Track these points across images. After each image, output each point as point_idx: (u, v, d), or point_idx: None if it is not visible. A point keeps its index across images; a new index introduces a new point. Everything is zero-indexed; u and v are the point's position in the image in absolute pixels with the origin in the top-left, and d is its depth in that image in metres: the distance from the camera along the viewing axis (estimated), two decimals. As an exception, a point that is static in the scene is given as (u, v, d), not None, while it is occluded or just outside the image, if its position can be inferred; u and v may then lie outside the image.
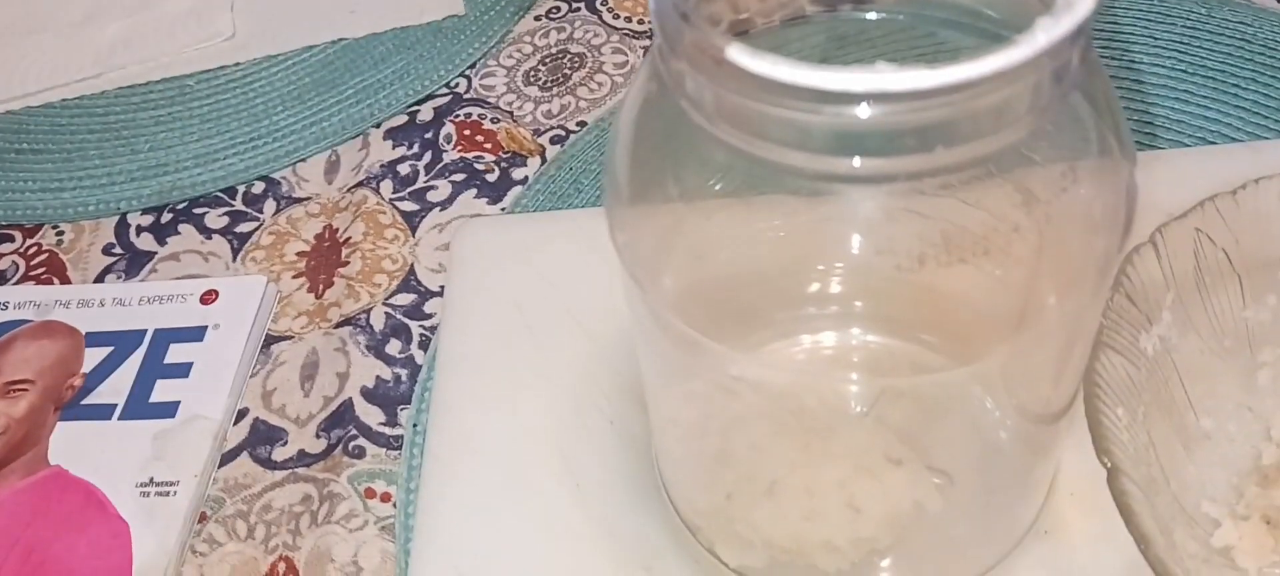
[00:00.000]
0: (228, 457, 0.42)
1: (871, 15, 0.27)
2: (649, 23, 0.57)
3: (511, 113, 0.54)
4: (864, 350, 0.35)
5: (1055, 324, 0.30)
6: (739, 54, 0.20)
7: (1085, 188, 0.27)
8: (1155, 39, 0.52)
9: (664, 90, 0.25)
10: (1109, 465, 0.30)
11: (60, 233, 0.51)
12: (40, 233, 0.51)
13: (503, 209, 0.49)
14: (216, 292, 0.47)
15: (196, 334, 0.46)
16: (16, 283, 0.49)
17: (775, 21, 0.27)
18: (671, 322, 0.29)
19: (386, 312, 0.46)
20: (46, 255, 0.50)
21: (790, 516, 0.30)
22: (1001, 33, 0.28)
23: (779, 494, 0.30)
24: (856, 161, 0.23)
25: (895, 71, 0.19)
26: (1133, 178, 0.27)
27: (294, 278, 0.48)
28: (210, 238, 0.50)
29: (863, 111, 0.21)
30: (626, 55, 0.56)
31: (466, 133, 0.53)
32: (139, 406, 0.43)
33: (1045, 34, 0.20)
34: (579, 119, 0.53)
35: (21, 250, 0.50)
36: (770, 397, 0.34)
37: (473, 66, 0.56)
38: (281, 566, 0.39)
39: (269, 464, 0.41)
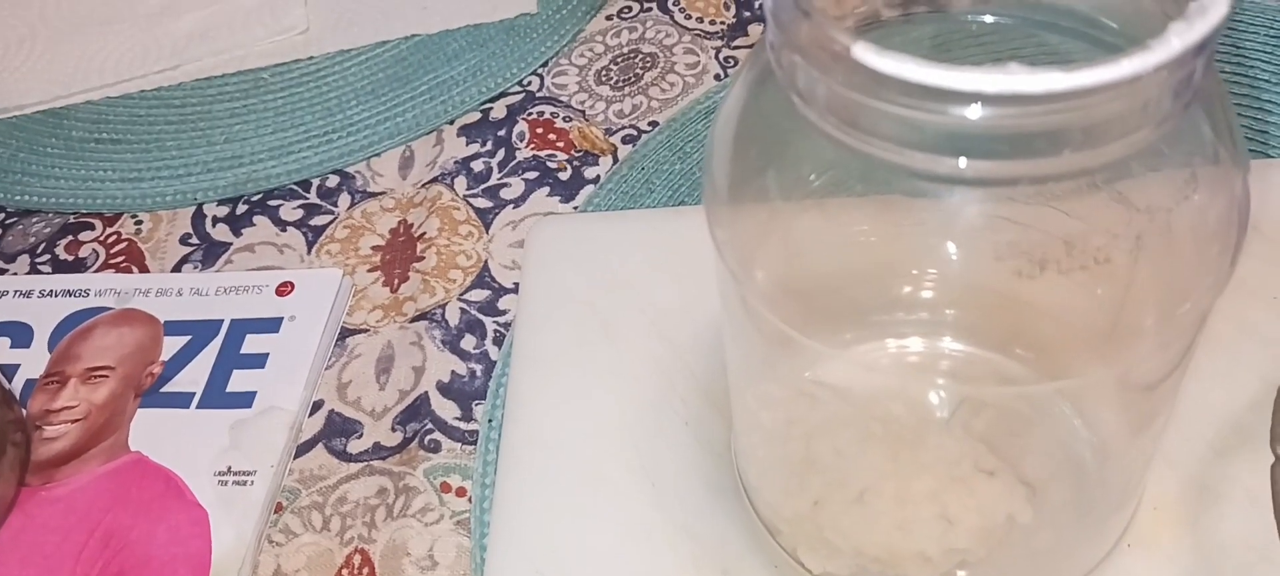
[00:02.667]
0: (303, 449, 0.42)
1: (986, 17, 0.27)
2: (721, 23, 0.57)
3: (583, 111, 0.54)
4: (951, 359, 0.34)
5: (1153, 343, 0.29)
6: (865, 52, 0.20)
7: (1196, 201, 0.26)
8: (1272, 53, 0.51)
9: (768, 85, 0.25)
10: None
11: (139, 222, 0.52)
12: (119, 221, 0.52)
13: (575, 207, 0.49)
14: (292, 284, 0.47)
15: (272, 325, 0.46)
16: (97, 270, 0.50)
17: (883, 18, 0.27)
18: (765, 318, 0.29)
19: (461, 308, 0.46)
20: (126, 244, 0.51)
21: (882, 526, 0.30)
22: (1109, 41, 0.27)
23: (870, 502, 0.30)
24: (969, 163, 0.23)
25: (1030, 73, 0.19)
26: (1246, 191, 0.26)
27: (369, 271, 0.48)
28: (285, 230, 0.50)
29: (986, 113, 0.21)
30: (698, 56, 0.56)
31: (539, 131, 0.53)
32: (216, 395, 0.44)
33: (1179, 39, 0.19)
34: (651, 119, 0.53)
35: (102, 238, 0.51)
36: (854, 403, 0.33)
37: (545, 65, 0.56)
38: (357, 559, 0.39)
39: (344, 456, 0.42)
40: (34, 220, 0.53)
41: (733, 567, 0.36)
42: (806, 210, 0.29)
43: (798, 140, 0.25)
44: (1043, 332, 0.33)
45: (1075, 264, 0.32)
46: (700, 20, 0.58)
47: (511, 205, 0.50)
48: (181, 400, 0.44)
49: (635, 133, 0.52)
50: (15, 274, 0.50)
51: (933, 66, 0.19)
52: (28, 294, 0.49)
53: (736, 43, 0.56)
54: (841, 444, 0.31)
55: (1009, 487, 0.30)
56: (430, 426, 0.42)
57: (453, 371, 0.44)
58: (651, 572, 0.36)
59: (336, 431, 0.42)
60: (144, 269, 0.50)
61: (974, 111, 0.21)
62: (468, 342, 0.45)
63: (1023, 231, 0.31)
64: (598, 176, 0.50)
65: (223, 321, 0.46)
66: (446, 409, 0.42)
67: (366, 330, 0.46)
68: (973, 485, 0.30)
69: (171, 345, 0.46)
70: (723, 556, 0.36)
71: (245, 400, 0.44)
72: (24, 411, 0.44)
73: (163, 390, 0.44)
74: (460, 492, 0.40)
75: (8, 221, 0.53)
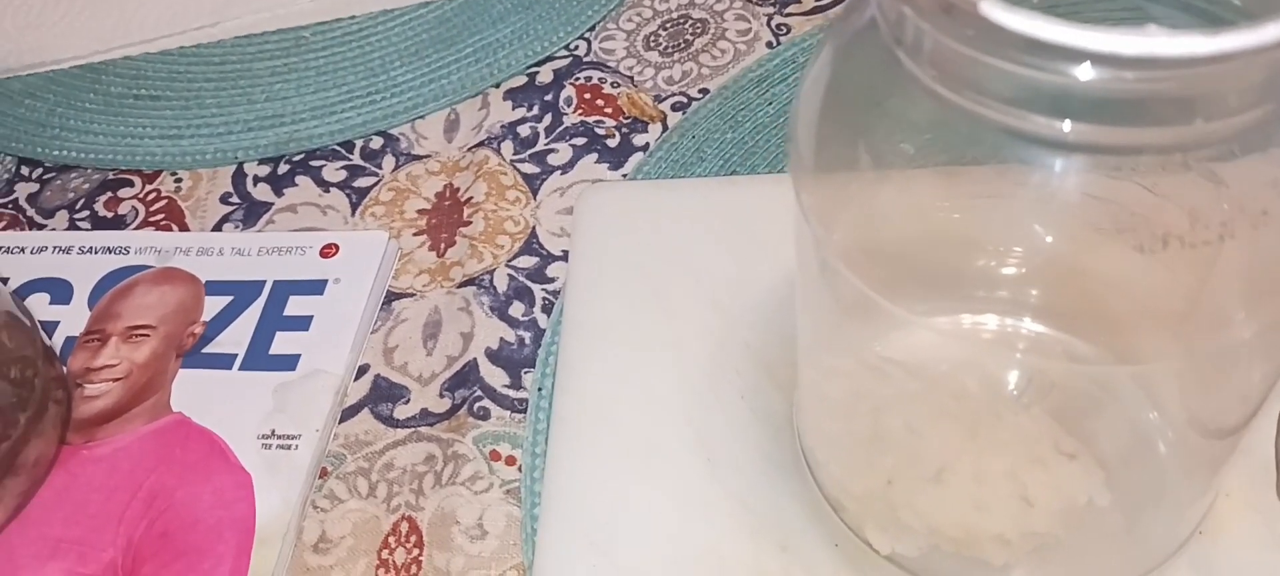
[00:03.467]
0: (348, 414, 0.41)
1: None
2: (772, -9, 0.55)
3: (632, 77, 0.52)
4: (1026, 337, 0.33)
5: (1240, 336, 0.28)
6: (994, 9, 0.19)
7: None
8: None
9: (860, 48, 0.24)
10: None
11: (178, 180, 0.51)
12: (159, 179, 0.51)
13: (624, 175, 0.48)
14: (337, 246, 0.46)
15: (317, 287, 0.45)
16: (136, 227, 0.49)
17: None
18: (842, 283, 0.28)
19: (509, 274, 0.45)
20: (165, 202, 0.50)
21: (960, 505, 0.29)
22: (1217, 12, 0.26)
23: (947, 481, 0.29)
24: (1076, 126, 0.22)
25: (1171, 36, 0.18)
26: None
27: (415, 235, 0.47)
28: (328, 191, 0.49)
29: (1103, 75, 0.20)
30: (749, 22, 0.54)
31: (587, 96, 0.52)
32: (259, 357, 0.43)
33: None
34: (701, 86, 0.52)
35: (141, 196, 0.50)
36: (925, 378, 0.32)
37: (592, 29, 0.55)
38: (404, 526, 0.38)
39: (391, 421, 0.41)
40: (72, 176, 0.52)
41: (792, 543, 0.35)
42: (894, 178, 0.28)
43: (894, 101, 0.24)
44: (1121, 315, 0.32)
45: (1161, 244, 0.31)
46: (750, -13, 0.57)
47: (559, 171, 0.49)
48: (224, 361, 0.43)
49: (685, 100, 0.51)
50: (54, 229, 0.49)
51: (1072, 27, 0.18)
52: (67, 250, 0.48)
53: (789, 10, 0.55)
54: (914, 420, 0.30)
55: (1088, 470, 0.29)
56: (479, 393, 0.41)
57: (501, 338, 0.43)
58: (708, 546, 0.35)
59: (383, 396, 0.42)
60: (184, 227, 0.49)
61: (1089, 72, 0.20)
62: (516, 309, 0.44)
63: (1112, 208, 0.30)
64: (647, 144, 0.49)
65: (265, 282, 0.46)
66: (495, 376, 0.42)
67: (413, 294, 0.45)
68: (1052, 466, 0.29)
69: (213, 305, 0.45)
70: (782, 531, 0.35)
71: (289, 363, 0.43)
72: (64, 369, 0.43)
73: (204, 351, 0.44)
74: (510, 461, 0.39)
75: (46, 177, 0.52)
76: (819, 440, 0.33)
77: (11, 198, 0.51)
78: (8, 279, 0.47)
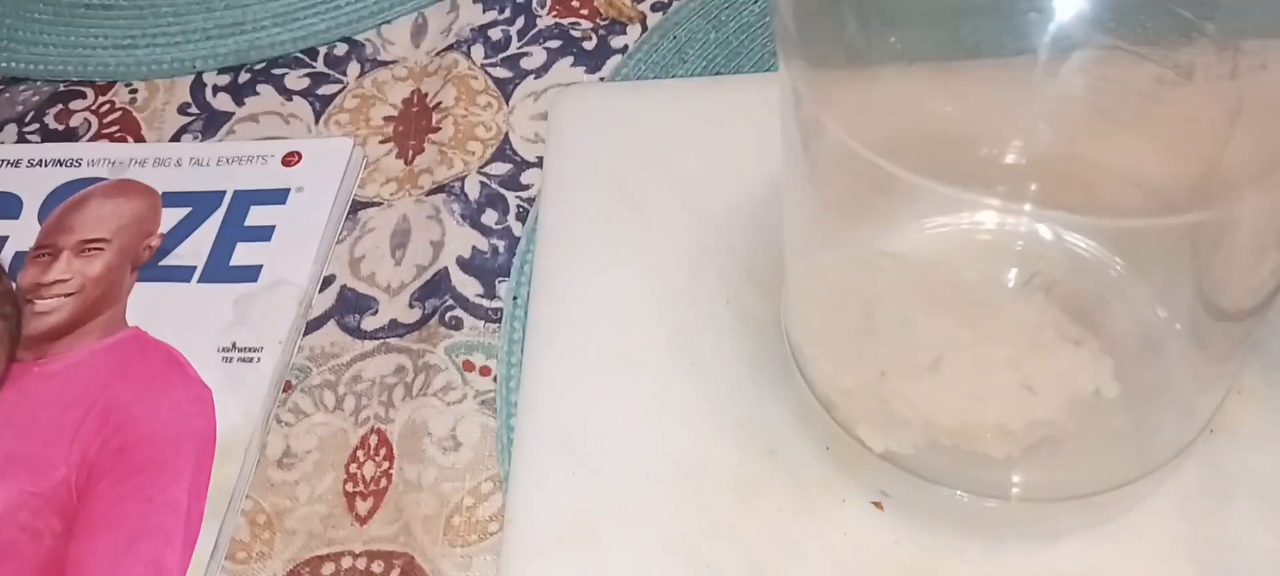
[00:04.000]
0: (313, 326, 0.39)
1: None
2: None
3: (609, -20, 0.50)
4: (1026, 236, 0.31)
5: (1250, 213, 0.26)
6: None
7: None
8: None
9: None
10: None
11: (133, 91, 0.48)
12: (113, 90, 0.48)
13: (602, 78, 0.46)
14: (299, 155, 0.44)
15: (279, 196, 0.43)
16: (90, 140, 0.46)
17: None
18: (832, 177, 0.26)
19: (481, 182, 0.43)
20: (120, 113, 0.47)
21: (957, 396, 0.27)
22: None
23: (943, 371, 0.27)
24: None
25: None
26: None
27: (381, 143, 0.45)
28: (290, 99, 0.47)
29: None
30: (731, -76, 0.52)
31: (561, -2, 0.49)
32: (219, 269, 0.41)
33: None
34: (681, -12, 0.49)
35: (94, 107, 0.48)
36: (918, 269, 0.31)
37: (566, -70, 0.52)
38: (373, 439, 0.36)
39: (358, 333, 0.39)
40: (21, 88, 0.49)
41: (779, 447, 0.33)
42: (886, 72, 0.26)
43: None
44: (1124, 202, 0.31)
45: (1166, 123, 0.29)
46: (731, -112, 0.54)
47: (533, 76, 0.46)
48: (182, 274, 0.41)
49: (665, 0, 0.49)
50: (2, 143, 0.47)
51: None
52: (15, 163, 0.46)
53: (771, -90, 0.52)
54: (907, 310, 0.28)
55: (1095, 357, 0.27)
56: (451, 303, 0.39)
57: (473, 247, 0.41)
58: (692, 453, 0.34)
59: (350, 308, 0.40)
60: (140, 139, 0.46)
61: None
62: (489, 217, 0.42)
63: (1112, 91, 0.28)
64: (625, 46, 0.47)
65: (225, 193, 0.43)
66: (468, 285, 0.40)
67: (380, 203, 0.43)
68: (1056, 353, 0.27)
69: (170, 217, 0.43)
70: (769, 436, 0.34)
71: (250, 274, 0.41)
72: (14, 284, 0.41)
73: (162, 264, 0.42)
74: (484, 371, 0.37)
75: (-7, 89, 0.49)
76: (808, 337, 0.32)
77: (-43, 111, 0.49)
78: (-48, 192, 0.44)
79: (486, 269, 0.40)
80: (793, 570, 0.31)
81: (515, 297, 0.39)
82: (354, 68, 0.48)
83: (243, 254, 0.41)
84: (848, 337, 0.29)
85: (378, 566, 0.33)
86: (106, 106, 0.48)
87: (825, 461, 0.33)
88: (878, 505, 0.32)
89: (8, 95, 0.49)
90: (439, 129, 0.45)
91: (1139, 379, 0.30)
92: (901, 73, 0.26)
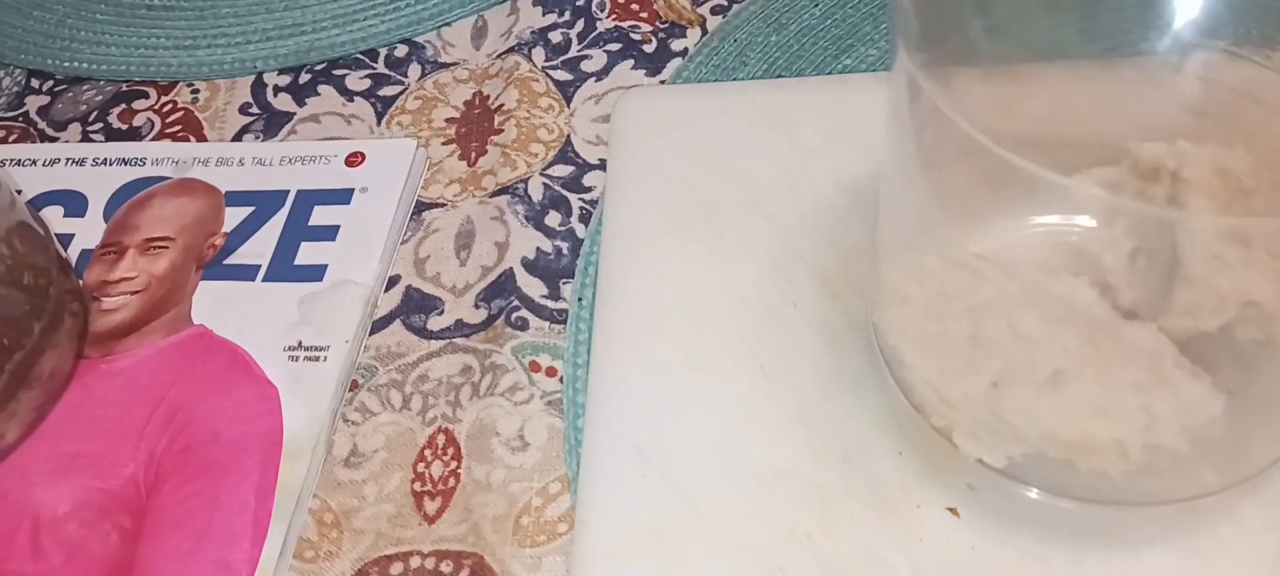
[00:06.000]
0: (379, 325, 0.39)
1: None
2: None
3: (668, -17, 0.50)
4: (1127, 249, 0.31)
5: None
6: None
7: None
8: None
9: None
10: None
11: (195, 91, 0.49)
12: (175, 90, 0.49)
13: (662, 81, 0.46)
14: (362, 155, 0.44)
15: (343, 196, 0.43)
16: (153, 139, 0.47)
17: None
18: (979, 142, 0.25)
19: (544, 183, 0.43)
20: (182, 113, 0.48)
21: (1081, 410, 0.26)
22: None
23: (1065, 386, 0.26)
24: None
25: None
26: None
27: (444, 144, 0.45)
28: (352, 100, 0.47)
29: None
30: (790, -72, 0.52)
31: (620, 0, 0.49)
32: (283, 268, 0.41)
33: None
34: (741, -9, 0.49)
35: (156, 107, 0.48)
36: (1026, 281, 0.30)
37: (625, -67, 0.52)
38: (440, 438, 0.36)
39: (424, 332, 0.39)
40: (84, 88, 0.49)
41: (853, 454, 0.33)
42: (1007, 62, 0.26)
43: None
44: (1233, 208, 0.30)
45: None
46: (789, -108, 0.54)
47: (593, 78, 0.46)
48: (246, 272, 0.41)
49: (725, 2, 0.48)
50: (67, 142, 0.47)
51: None
52: (81, 162, 0.46)
53: (832, -87, 0.52)
54: (1020, 324, 0.28)
55: (1212, 394, 0.27)
56: (516, 303, 0.39)
57: (537, 248, 0.41)
58: (764, 458, 0.33)
59: (415, 307, 0.40)
60: (201, 139, 0.47)
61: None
62: (552, 219, 0.42)
63: (1229, 94, 0.28)
64: (685, 49, 0.47)
65: (288, 192, 0.43)
66: (533, 286, 0.40)
67: (444, 204, 0.43)
68: (1176, 382, 0.27)
69: (233, 216, 0.43)
70: (842, 443, 0.33)
71: (315, 273, 0.41)
72: (80, 282, 0.41)
73: (226, 262, 0.42)
74: (551, 372, 0.37)
75: (57, 89, 0.50)
76: (905, 342, 0.31)
77: (21, 110, 0.49)
78: (21, 191, 0.44)
79: (551, 270, 0.40)
80: (872, 578, 0.30)
81: (580, 299, 0.39)
82: (414, 69, 0.48)
83: (307, 253, 0.41)
84: (953, 346, 0.29)
85: (447, 566, 0.33)
86: (169, 106, 0.48)
87: (900, 468, 0.32)
88: (953, 511, 0.32)
89: (71, 94, 0.49)
90: (501, 131, 0.44)
91: (1238, 394, 0.29)
92: (1021, 70, 0.25)
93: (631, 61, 0.47)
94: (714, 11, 0.48)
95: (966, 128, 0.24)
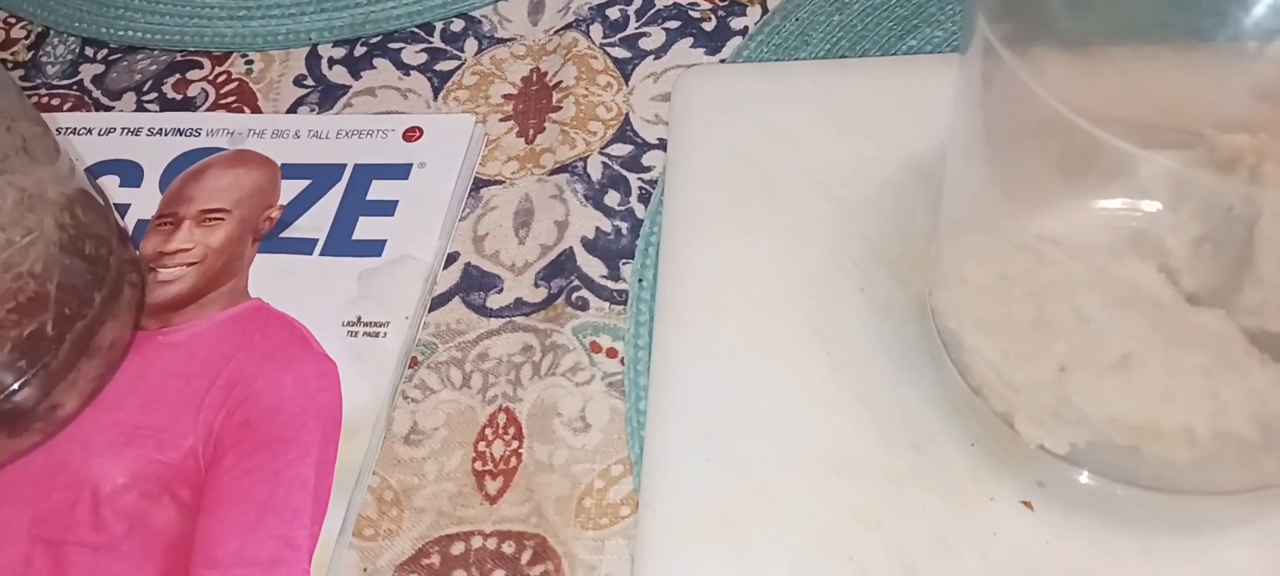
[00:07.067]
0: (438, 302, 0.39)
1: None
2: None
3: (727, -40, 0.49)
4: (1196, 235, 0.30)
5: None
6: None
7: None
8: None
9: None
10: None
11: (249, 62, 0.48)
12: (229, 61, 0.48)
13: (722, 60, 0.45)
14: (421, 129, 0.44)
15: (401, 171, 0.43)
16: (207, 110, 0.46)
17: None
18: (1060, 112, 0.25)
19: (603, 162, 0.42)
20: (236, 84, 0.47)
21: (1147, 394, 0.26)
22: None
23: (1133, 370, 0.26)
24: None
25: None
26: None
27: (501, 121, 0.44)
28: (408, 74, 0.47)
29: None
30: (850, -94, 0.51)
31: (679, -21, 0.49)
32: (341, 243, 0.41)
33: None
34: (801, -30, 0.48)
35: (211, 78, 0.48)
36: (1090, 264, 0.29)
37: (683, -90, 0.52)
38: (501, 417, 0.36)
39: (484, 310, 0.38)
40: (139, 57, 0.49)
41: (924, 443, 0.32)
42: (1087, 43, 0.25)
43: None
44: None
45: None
46: None
47: (652, 56, 0.46)
48: (304, 246, 0.41)
49: (787, -17, 0.48)
50: (121, 111, 0.47)
51: None
52: (136, 132, 0.46)
53: (894, -108, 0.51)
54: (1085, 307, 0.27)
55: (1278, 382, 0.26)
56: (577, 283, 0.39)
57: (597, 227, 0.40)
58: (835, 445, 0.33)
59: (474, 285, 0.39)
60: (256, 110, 0.46)
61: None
62: (612, 198, 0.41)
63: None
64: (746, 28, 0.46)
65: (346, 166, 0.43)
66: (593, 266, 0.39)
67: (502, 181, 0.42)
68: (1245, 370, 0.26)
69: (290, 189, 0.43)
70: (911, 431, 0.33)
71: (374, 249, 0.40)
72: (137, 252, 0.41)
73: (283, 235, 0.41)
74: (611, 353, 0.37)
75: (111, 58, 0.49)
76: (965, 325, 0.31)
77: (76, 78, 0.49)
78: (79, 159, 0.44)
79: (610, 250, 0.40)
80: (946, 571, 0.30)
81: (640, 280, 0.39)
82: (471, 44, 0.47)
83: (365, 228, 0.41)
84: (1017, 329, 0.28)
85: (510, 547, 0.33)
86: (223, 77, 0.48)
87: (972, 457, 0.32)
88: (1027, 505, 0.31)
89: (125, 64, 0.49)
90: (560, 108, 0.44)
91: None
92: (1095, 49, 0.25)
93: (691, 39, 0.46)
94: (774, -10, 0.47)
95: (1045, 95, 0.24)
